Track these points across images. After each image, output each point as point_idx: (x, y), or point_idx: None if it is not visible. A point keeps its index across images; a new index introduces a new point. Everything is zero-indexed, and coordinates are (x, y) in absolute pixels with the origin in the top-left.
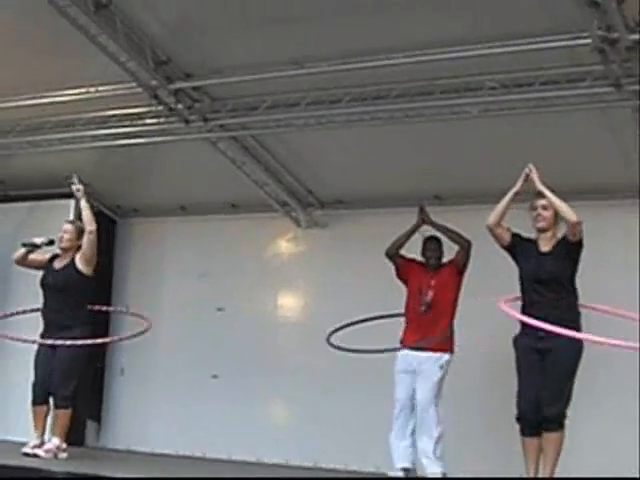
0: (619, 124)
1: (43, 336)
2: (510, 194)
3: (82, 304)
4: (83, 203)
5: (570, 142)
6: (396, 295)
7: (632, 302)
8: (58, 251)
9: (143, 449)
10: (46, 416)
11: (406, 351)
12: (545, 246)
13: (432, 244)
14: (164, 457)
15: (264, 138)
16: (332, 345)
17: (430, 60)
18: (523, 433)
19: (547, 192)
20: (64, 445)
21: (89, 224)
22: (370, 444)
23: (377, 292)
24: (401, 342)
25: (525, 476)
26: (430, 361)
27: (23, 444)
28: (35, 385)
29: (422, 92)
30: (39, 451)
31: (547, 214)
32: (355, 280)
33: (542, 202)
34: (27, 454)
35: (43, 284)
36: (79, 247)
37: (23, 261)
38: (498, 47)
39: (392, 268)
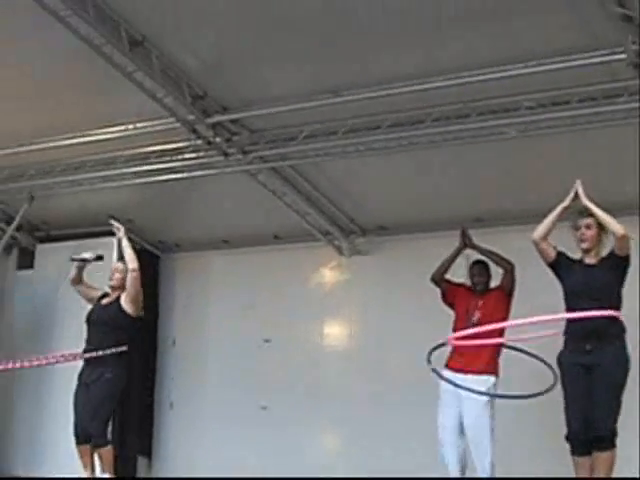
0: None
1: (82, 372)
2: (559, 209)
3: (121, 344)
4: (124, 242)
5: (609, 158)
6: (443, 321)
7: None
8: (108, 289)
9: None
10: (92, 454)
11: (451, 373)
12: (590, 260)
13: (479, 268)
14: None
15: (303, 168)
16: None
17: (466, 82)
18: (574, 452)
19: (593, 207)
20: None
21: (131, 262)
22: (421, 467)
23: (422, 318)
24: (446, 365)
25: None
26: (476, 384)
27: None
28: (75, 425)
29: (459, 115)
30: None
31: (591, 233)
32: (399, 306)
33: (586, 221)
34: None
35: (88, 319)
36: None
37: (77, 281)
38: (533, 67)
39: (438, 292)
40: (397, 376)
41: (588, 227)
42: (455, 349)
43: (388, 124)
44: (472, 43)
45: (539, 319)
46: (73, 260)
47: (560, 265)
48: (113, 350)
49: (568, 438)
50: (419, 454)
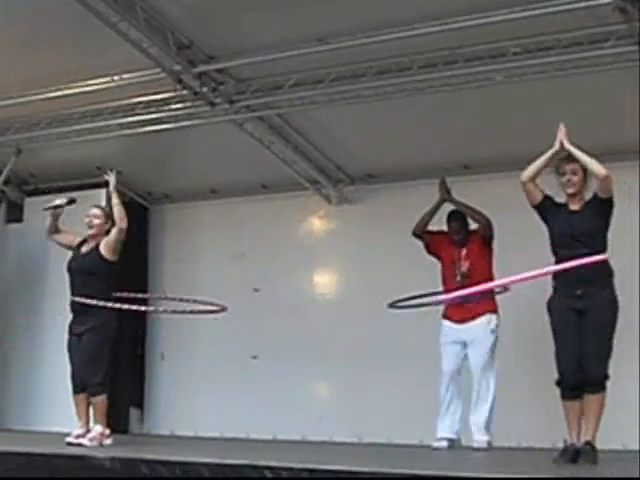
0: None
1: (72, 322)
2: (549, 153)
3: (107, 290)
4: (115, 199)
5: (597, 103)
6: (430, 268)
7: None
8: (89, 232)
9: (187, 433)
10: (88, 405)
11: (450, 324)
12: (575, 205)
13: (456, 225)
14: (208, 440)
15: (290, 116)
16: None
17: (452, 29)
18: (564, 396)
19: (575, 150)
20: (107, 431)
21: (120, 221)
22: (413, 417)
23: (411, 265)
24: (444, 316)
25: (568, 440)
26: (480, 328)
27: (68, 434)
28: (72, 375)
29: (446, 61)
30: (83, 440)
31: (577, 179)
32: (388, 254)
33: (571, 167)
34: (71, 443)
35: (69, 269)
36: (107, 231)
37: (52, 230)
38: (519, 12)
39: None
40: (386, 323)
41: (574, 172)
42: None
43: (374, 72)
44: None
45: (529, 275)
46: (46, 209)
47: (546, 208)
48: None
49: (559, 383)
50: (410, 399)
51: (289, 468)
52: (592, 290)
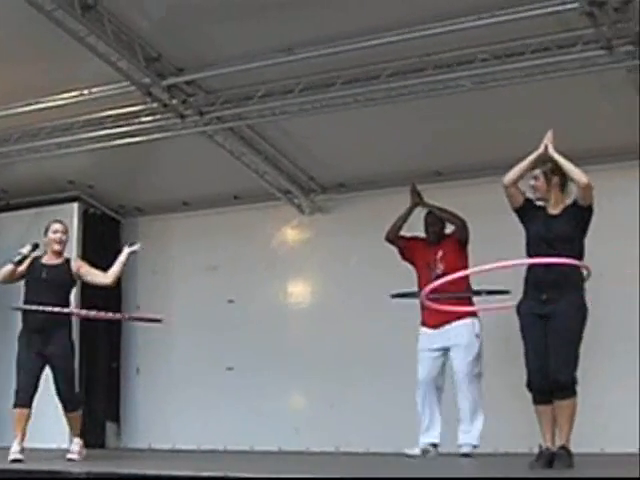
0: (614, 86)
1: (32, 337)
2: (533, 157)
3: (67, 305)
4: (120, 267)
5: (567, 108)
6: (405, 276)
7: (632, 264)
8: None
9: (164, 446)
10: (27, 419)
11: (425, 329)
12: (554, 210)
13: (432, 217)
14: (185, 453)
15: (261, 127)
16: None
17: (420, 36)
18: (535, 401)
19: (558, 156)
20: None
21: (111, 278)
22: (389, 426)
23: (385, 273)
24: (423, 324)
25: (543, 444)
26: (464, 332)
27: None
28: (20, 388)
29: (414, 69)
30: (74, 455)
31: (539, 183)
32: (362, 263)
33: (534, 172)
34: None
35: (34, 278)
36: None
37: (11, 277)
38: (487, 18)
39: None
40: (360, 333)
41: (536, 178)
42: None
43: (344, 81)
44: None
45: (503, 264)
46: (15, 262)
47: (525, 211)
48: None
49: (528, 386)
50: (387, 408)
51: (266, 479)
52: (558, 295)
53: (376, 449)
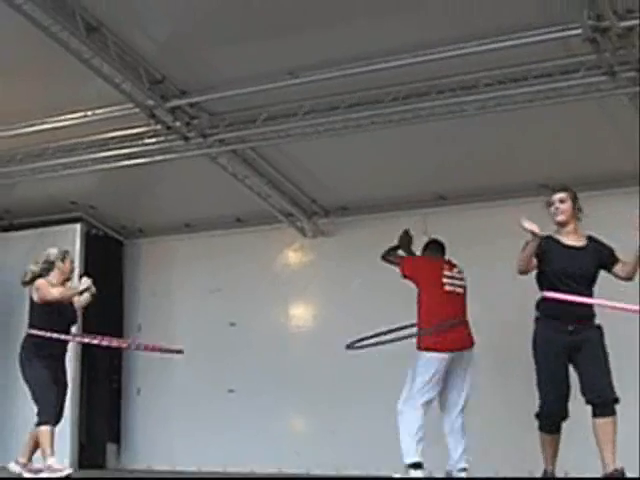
0: (616, 112)
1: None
2: (527, 247)
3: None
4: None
5: (569, 133)
6: (407, 299)
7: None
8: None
9: (164, 468)
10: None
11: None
12: (571, 240)
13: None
14: (186, 474)
15: (264, 150)
16: (355, 347)
17: (424, 61)
18: (544, 429)
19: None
20: None
21: (56, 296)
22: (391, 449)
23: (387, 297)
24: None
25: (548, 469)
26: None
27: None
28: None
29: (418, 93)
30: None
31: (565, 207)
32: (363, 286)
33: (559, 196)
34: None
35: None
36: None
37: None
38: (490, 43)
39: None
40: (361, 356)
41: (562, 201)
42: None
43: (347, 104)
44: (429, 22)
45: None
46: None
47: (543, 251)
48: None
49: (539, 415)
50: (387, 431)
51: None
52: (586, 325)
53: (376, 472)
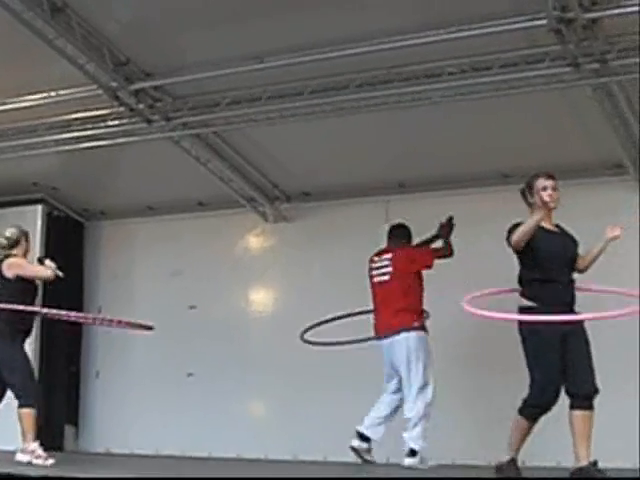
0: (580, 103)
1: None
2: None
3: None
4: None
5: (532, 124)
6: (364, 284)
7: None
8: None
9: (122, 451)
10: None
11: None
12: (548, 226)
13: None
14: (144, 458)
15: (227, 134)
16: (308, 341)
17: (389, 48)
18: (530, 417)
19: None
20: None
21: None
22: (349, 435)
23: (347, 282)
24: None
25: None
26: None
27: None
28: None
29: (382, 81)
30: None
31: (557, 194)
32: (324, 272)
33: (553, 182)
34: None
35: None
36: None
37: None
38: (455, 32)
39: (360, 257)
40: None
41: (554, 188)
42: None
43: (311, 90)
44: (394, 9)
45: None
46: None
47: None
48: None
49: (528, 402)
50: (345, 416)
51: None
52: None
53: (334, 458)
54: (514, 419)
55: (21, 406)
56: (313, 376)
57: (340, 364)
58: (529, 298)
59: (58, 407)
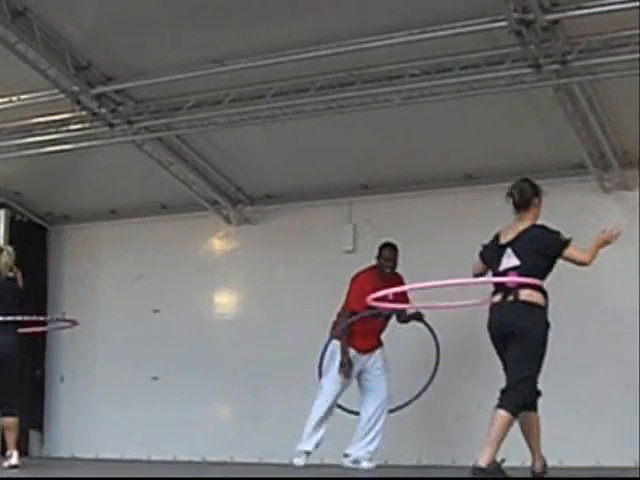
0: (541, 104)
1: None
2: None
3: None
4: None
5: (494, 125)
6: (330, 288)
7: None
8: None
9: (88, 455)
10: None
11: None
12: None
13: (388, 250)
14: (109, 462)
15: (190, 137)
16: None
17: (350, 51)
18: (519, 414)
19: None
20: None
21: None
22: None
23: (311, 285)
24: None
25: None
26: (378, 357)
27: None
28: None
29: (344, 83)
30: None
31: None
32: (288, 273)
33: None
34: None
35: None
36: None
37: None
38: (417, 34)
39: (324, 259)
40: (286, 343)
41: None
42: (357, 332)
43: (273, 93)
44: (354, 11)
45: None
46: None
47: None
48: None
49: (521, 402)
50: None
51: None
52: None
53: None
54: (502, 420)
55: (9, 415)
56: (278, 378)
57: (305, 366)
58: (545, 297)
59: (22, 412)
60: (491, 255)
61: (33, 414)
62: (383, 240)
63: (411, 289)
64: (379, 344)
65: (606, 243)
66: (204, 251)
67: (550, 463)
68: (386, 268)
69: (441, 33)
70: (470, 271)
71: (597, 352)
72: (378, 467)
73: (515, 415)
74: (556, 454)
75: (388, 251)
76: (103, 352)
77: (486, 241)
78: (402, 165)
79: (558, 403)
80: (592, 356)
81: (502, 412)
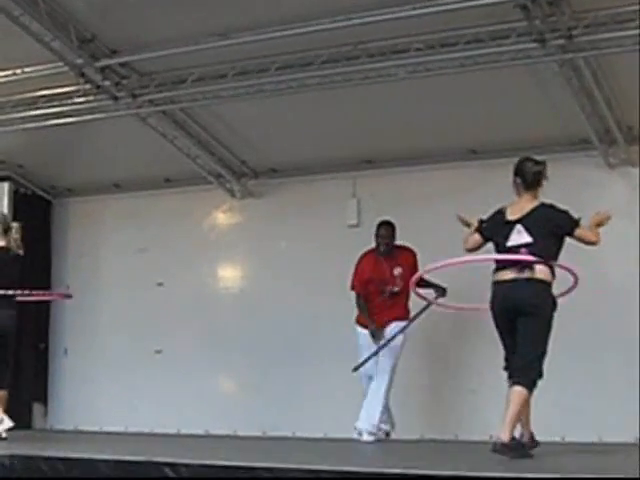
0: (546, 79)
1: None
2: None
3: None
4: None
5: (499, 100)
6: (334, 261)
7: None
8: None
9: (91, 428)
10: None
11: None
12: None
13: (385, 228)
14: (112, 435)
15: (194, 111)
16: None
17: (355, 24)
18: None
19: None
20: None
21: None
22: (316, 411)
23: (314, 259)
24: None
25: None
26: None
27: None
28: None
29: (349, 57)
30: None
31: None
32: (292, 247)
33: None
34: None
35: None
36: None
37: None
38: (422, 8)
39: (328, 233)
40: (289, 317)
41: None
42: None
43: (277, 66)
44: None
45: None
46: None
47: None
48: None
49: (536, 378)
50: (314, 393)
51: (189, 464)
52: None
53: (302, 434)
54: (520, 397)
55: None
56: (282, 352)
57: (309, 341)
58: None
59: (26, 385)
60: (495, 230)
61: (37, 387)
62: (382, 218)
63: (428, 271)
64: (392, 319)
65: (600, 225)
66: (208, 225)
67: (552, 439)
68: (382, 246)
69: (446, 7)
70: None
71: (598, 329)
72: (378, 440)
73: (531, 391)
74: (558, 430)
75: (385, 229)
76: (107, 325)
77: (484, 216)
78: (406, 140)
79: (560, 380)
80: (593, 333)
81: (520, 388)
